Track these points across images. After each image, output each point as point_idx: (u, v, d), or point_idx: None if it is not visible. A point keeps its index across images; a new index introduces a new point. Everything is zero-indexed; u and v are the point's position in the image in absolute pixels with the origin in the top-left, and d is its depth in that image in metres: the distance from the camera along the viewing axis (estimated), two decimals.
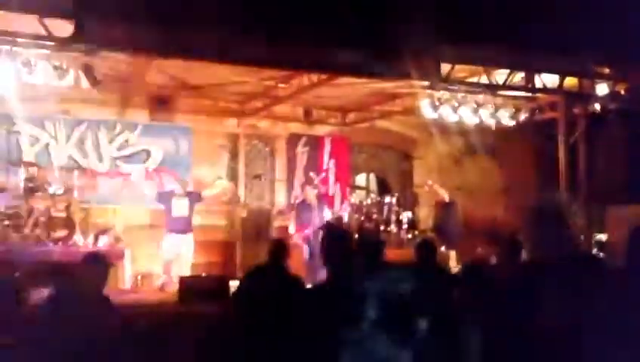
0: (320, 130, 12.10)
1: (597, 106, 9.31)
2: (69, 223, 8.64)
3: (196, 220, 9.98)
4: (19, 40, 6.43)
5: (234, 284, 6.14)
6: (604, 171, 10.89)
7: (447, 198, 10.72)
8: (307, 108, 11.57)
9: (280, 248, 4.82)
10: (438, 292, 2.12)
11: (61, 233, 8.53)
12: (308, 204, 9.14)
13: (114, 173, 10.20)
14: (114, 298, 7.30)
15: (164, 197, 8.70)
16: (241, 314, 4.40)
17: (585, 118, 9.33)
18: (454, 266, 9.72)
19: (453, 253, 10.12)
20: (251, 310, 4.23)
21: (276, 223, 10.54)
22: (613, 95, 9.00)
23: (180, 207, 8.46)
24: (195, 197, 8.73)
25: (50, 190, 8.62)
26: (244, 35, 6.67)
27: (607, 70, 8.96)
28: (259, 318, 3.92)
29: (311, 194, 9.29)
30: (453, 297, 5.26)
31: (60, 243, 8.36)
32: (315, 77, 8.90)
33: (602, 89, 9.00)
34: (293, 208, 9.55)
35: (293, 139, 11.80)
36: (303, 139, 11.84)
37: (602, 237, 11.30)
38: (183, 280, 6.89)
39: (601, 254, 9.92)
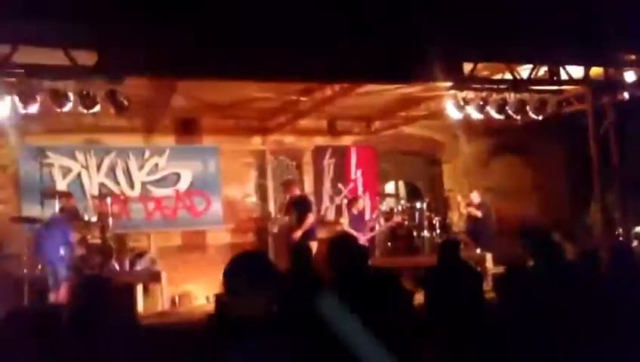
0: (345, 140, 12.10)
1: (626, 95, 9.13)
2: (105, 250, 8.76)
3: (226, 238, 10.09)
4: (45, 72, 6.57)
5: None
6: (636, 160, 10.67)
7: (479, 214, 10.70)
8: (331, 119, 11.59)
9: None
10: (465, 290, 2.11)
11: (98, 260, 8.64)
12: (361, 213, 9.70)
13: (146, 198, 10.33)
14: (154, 320, 7.43)
15: None
16: None
17: (614, 107, 9.16)
18: (491, 268, 9.60)
19: (489, 255, 9.99)
20: None
21: (320, 234, 10.63)
22: None
23: None
24: None
25: (85, 218, 8.76)
26: (265, 51, 6.72)
27: (633, 57, 8.79)
28: None
29: (362, 204, 9.95)
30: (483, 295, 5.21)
31: (98, 269, 8.46)
32: (337, 87, 8.91)
33: (630, 76, 8.83)
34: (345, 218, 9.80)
35: (319, 152, 11.82)
36: (329, 151, 11.85)
37: None
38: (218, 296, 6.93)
39: None
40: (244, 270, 2.54)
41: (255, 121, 11.15)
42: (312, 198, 10.73)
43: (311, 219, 9.21)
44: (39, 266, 8.22)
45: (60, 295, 7.58)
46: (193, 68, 6.85)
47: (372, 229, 9.49)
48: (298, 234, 8.92)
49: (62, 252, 7.87)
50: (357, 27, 6.84)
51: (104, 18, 6.16)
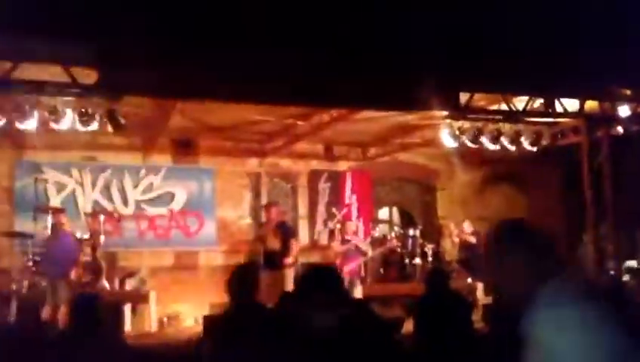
0: (341, 165, 12.15)
1: (620, 129, 9.21)
2: (95, 268, 8.72)
3: (219, 260, 10.02)
4: (45, 88, 6.60)
5: None
6: (631, 194, 10.71)
7: (473, 240, 10.72)
8: (327, 144, 11.65)
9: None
10: (454, 319, 2.12)
11: (88, 277, 8.59)
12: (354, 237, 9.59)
13: (139, 217, 10.31)
14: (140, 340, 7.36)
15: None
16: None
17: (608, 140, 9.22)
18: (482, 298, 9.58)
19: (480, 285, 9.98)
20: None
21: (312, 258, 10.55)
22: (635, 116, 8.91)
23: None
24: None
25: (77, 235, 8.72)
26: (264, 74, 6.78)
27: (628, 92, 8.89)
28: None
29: (352, 227, 9.85)
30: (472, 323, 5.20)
31: (88, 287, 8.41)
32: (334, 113, 8.97)
33: (624, 111, 8.92)
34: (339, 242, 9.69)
35: (314, 176, 11.85)
36: (325, 175, 11.89)
37: (633, 263, 11.06)
38: (206, 318, 6.89)
39: (633, 281, 9.72)
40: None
41: (252, 143, 11.20)
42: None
43: (295, 244, 9.13)
44: (33, 282, 8.14)
45: (59, 314, 7.44)
46: (193, 89, 6.90)
47: (364, 254, 9.45)
48: (289, 260, 8.84)
49: (63, 267, 7.75)
50: (356, 54, 6.92)
51: (105, 37, 6.21)
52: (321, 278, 2.75)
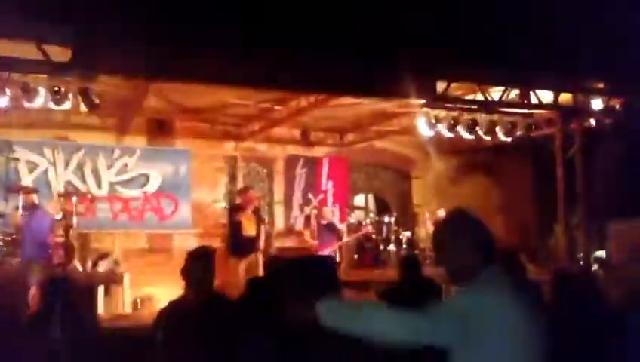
0: (318, 151, 12.15)
1: (592, 121, 9.35)
2: (68, 249, 8.60)
3: (193, 243, 9.96)
4: (17, 65, 6.47)
5: None
6: (602, 186, 10.91)
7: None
8: (305, 129, 11.63)
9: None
10: (425, 304, 2.20)
11: (60, 259, 8.48)
12: (332, 224, 9.55)
13: (113, 198, 10.20)
14: (113, 322, 7.31)
15: None
16: None
17: (581, 133, 9.37)
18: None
19: None
20: None
21: (288, 243, 10.54)
22: (608, 110, 9.06)
23: None
24: None
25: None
26: (242, 57, 6.73)
27: (601, 85, 9.03)
28: None
29: (328, 213, 9.74)
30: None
31: (60, 268, 8.31)
32: (312, 98, 8.96)
33: (597, 104, 9.06)
34: (314, 229, 9.65)
35: (291, 161, 11.84)
36: (301, 161, 11.88)
37: (602, 253, 11.29)
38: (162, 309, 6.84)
39: (601, 271, 9.93)
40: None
41: (229, 127, 11.14)
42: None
43: (263, 230, 9.15)
44: (3, 262, 8.01)
45: (31, 295, 7.32)
46: (168, 69, 6.82)
47: (339, 239, 9.51)
48: (262, 244, 8.87)
49: (38, 248, 7.62)
50: (334, 40, 6.90)
51: (80, 15, 6.11)
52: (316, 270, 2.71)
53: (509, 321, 2.04)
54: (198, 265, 3.52)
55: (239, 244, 8.72)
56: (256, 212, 9.05)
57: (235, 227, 8.86)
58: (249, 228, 8.77)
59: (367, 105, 9.53)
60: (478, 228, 2.26)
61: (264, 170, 11.84)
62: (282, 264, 3.07)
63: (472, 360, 2.05)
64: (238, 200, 9.42)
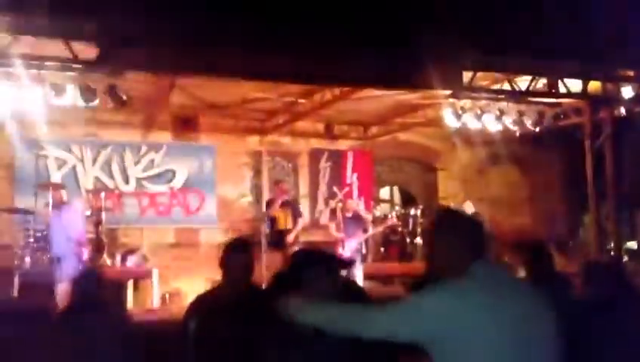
0: (342, 144, 12.12)
1: (622, 110, 9.17)
2: (97, 244, 8.71)
3: (219, 237, 10.03)
4: (46, 63, 6.55)
5: None
6: (632, 176, 10.71)
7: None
8: (328, 123, 11.60)
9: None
10: None
11: (90, 254, 8.59)
12: (358, 216, 9.48)
13: (140, 194, 10.31)
14: (143, 317, 7.39)
15: None
16: None
17: (610, 122, 9.20)
18: None
19: None
20: None
21: (313, 237, 10.53)
22: (638, 97, 8.87)
23: None
24: None
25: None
26: (266, 51, 6.72)
27: (631, 73, 8.84)
28: None
29: (353, 204, 9.74)
30: None
31: (90, 264, 8.42)
32: (336, 91, 8.92)
33: (627, 92, 8.87)
34: (341, 220, 9.64)
35: (315, 155, 11.83)
36: (326, 154, 11.87)
37: (633, 244, 11.10)
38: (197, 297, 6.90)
39: (632, 263, 9.76)
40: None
41: (253, 122, 11.15)
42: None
43: (301, 223, 9.17)
44: (35, 259, 8.12)
45: (62, 290, 7.42)
46: (194, 65, 6.84)
47: (365, 231, 9.47)
48: (292, 237, 8.88)
49: (69, 244, 7.71)
50: (358, 32, 6.86)
51: (106, 12, 6.15)
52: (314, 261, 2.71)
53: (496, 318, 1.98)
54: (237, 258, 3.30)
55: (273, 238, 8.83)
56: (290, 205, 9.09)
57: (269, 221, 9.02)
58: (282, 222, 8.86)
59: (392, 97, 9.46)
60: (467, 225, 2.24)
61: (289, 164, 11.84)
62: (302, 257, 3.02)
63: (455, 358, 2.00)
64: (271, 195, 9.52)
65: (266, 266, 9.55)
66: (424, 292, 2.13)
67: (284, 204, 9.03)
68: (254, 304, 3.05)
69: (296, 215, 9.03)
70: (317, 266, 2.70)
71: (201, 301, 3.51)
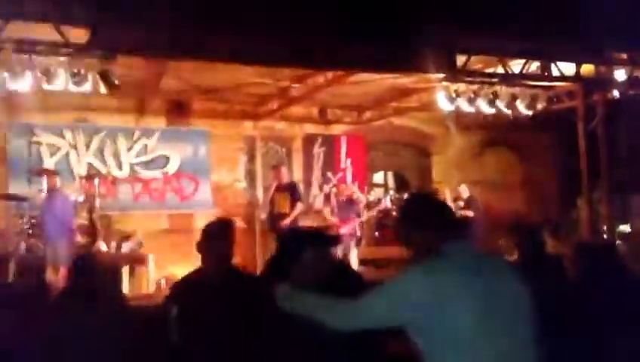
0: (336, 129, 12.11)
1: (616, 93, 9.18)
2: (91, 230, 8.71)
3: None
4: (37, 48, 6.50)
5: None
6: (625, 159, 10.76)
7: (470, 214, 10.62)
8: (322, 108, 11.58)
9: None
10: None
11: (84, 240, 8.59)
12: (352, 200, 9.57)
13: (134, 180, 10.28)
14: (138, 302, 7.41)
15: None
16: None
17: (603, 105, 9.21)
18: None
19: None
20: None
21: (308, 222, 10.55)
22: (632, 81, 8.87)
23: None
24: None
25: (72, 198, 8.70)
26: (258, 35, 6.68)
27: (624, 56, 8.84)
28: None
29: (347, 188, 9.88)
30: None
31: (85, 250, 8.42)
32: (329, 75, 8.89)
33: (620, 75, 8.88)
34: (335, 205, 9.67)
35: (309, 140, 11.82)
36: (319, 140, 11.86)
37: (626, 227, 11.17)
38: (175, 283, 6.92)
39: (624, 246, 9.82)
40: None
41: (246, 106, 11.12)
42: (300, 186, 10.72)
43: (300, 207, 9.17)
44: (30, 244, 8.13)
45: (59, 275, 7.46)
46: (187, 49, 6.80)
47: (359, 215, 9.51)
48: (287, 221, 8.88)
49: (62, 229, 7.73)
50: (352, 16, 6.82)
51: None
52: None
53: (470, 294, 2.03)
54: (218, 238, 3.33)
55: (271, 221, 8.95)
56: (288, 189, 9.11)
57: (270, 205, 9.16)
58: (281, 205, 8.88)
59: (386, 81, 9.44)
60: (432, 207, 2.33)
61: (283, 149, 11.83)
62: (289, 235, 3.03)
63: (432, 336, 2.05)
64: (271, 178, 9.62)
65: (262, 250, 9.62)
66: (397, 275, 2.20)
67: (283, 188, 9.03)
68: (235, 286, 3.05)
69: (295, 199, 9.04)
70: (303, 242, 2.72)
71: (184, 283, 3.51)
